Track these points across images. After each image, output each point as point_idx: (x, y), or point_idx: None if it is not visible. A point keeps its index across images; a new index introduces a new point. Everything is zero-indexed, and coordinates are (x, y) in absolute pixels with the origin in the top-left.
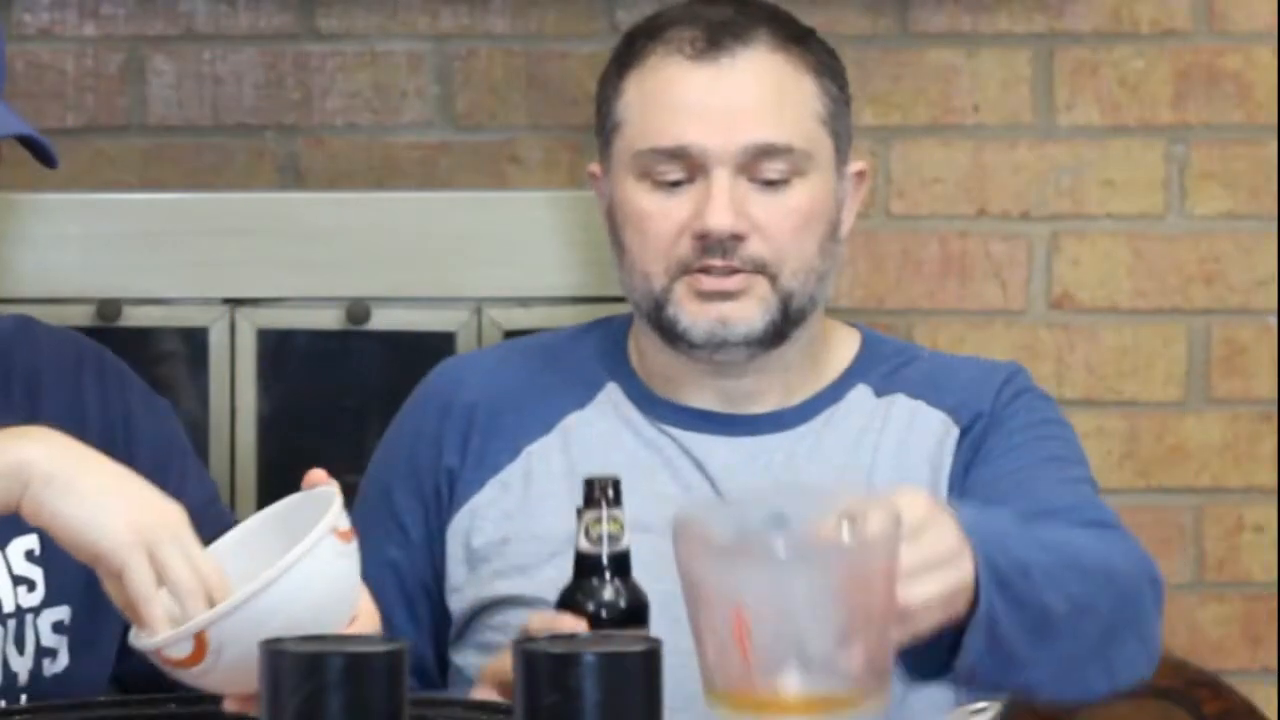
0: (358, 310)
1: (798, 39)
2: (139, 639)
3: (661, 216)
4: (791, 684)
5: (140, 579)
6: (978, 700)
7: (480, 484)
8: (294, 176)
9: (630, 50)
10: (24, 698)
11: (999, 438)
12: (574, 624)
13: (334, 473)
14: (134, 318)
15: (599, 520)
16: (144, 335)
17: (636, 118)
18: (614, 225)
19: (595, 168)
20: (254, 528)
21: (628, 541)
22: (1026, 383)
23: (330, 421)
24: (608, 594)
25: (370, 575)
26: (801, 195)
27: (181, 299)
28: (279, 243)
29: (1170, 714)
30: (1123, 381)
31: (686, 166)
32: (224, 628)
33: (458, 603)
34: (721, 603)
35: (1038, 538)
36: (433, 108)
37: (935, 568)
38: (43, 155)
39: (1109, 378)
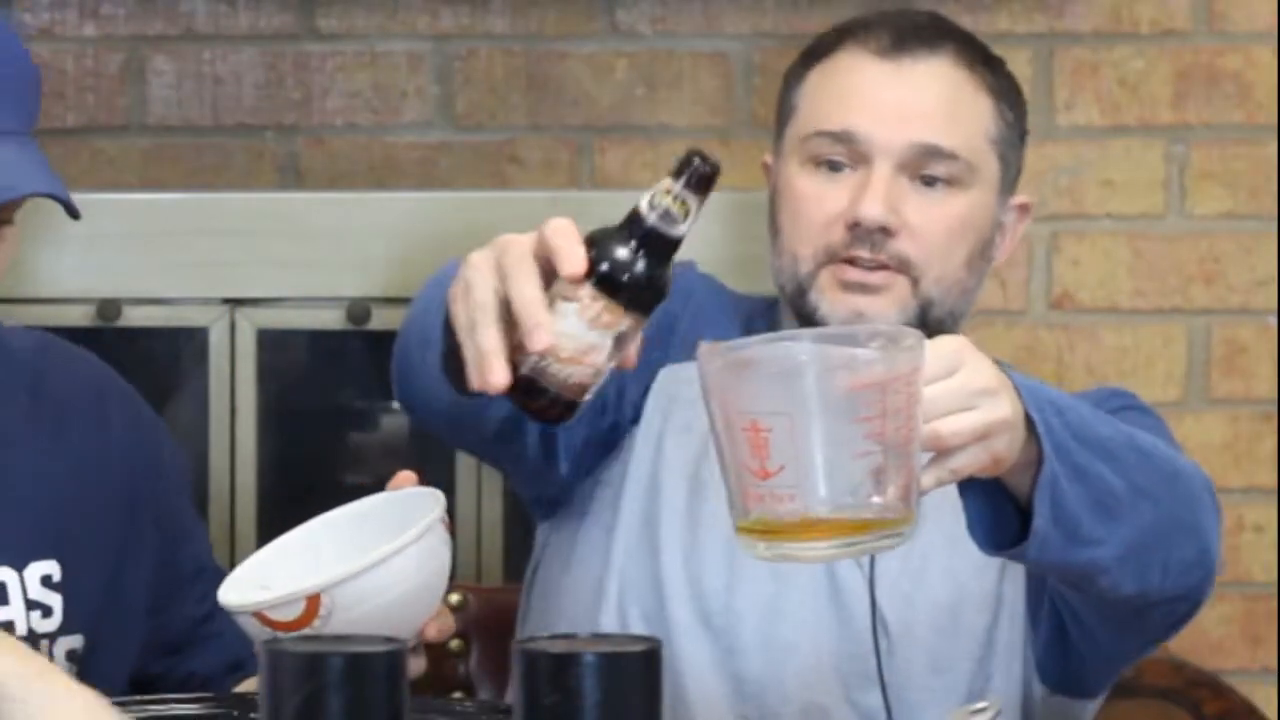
0: (358, 310)
1: (984, 61)
2: (229, 596)
3: (818, 200)
4: (810, 505)
5: None
6: (981, 699)
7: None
8: (294, 176)
9: (820, 45)
10: None
11: None
12: (574, 253)
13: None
14: (134, 318)
15: (669, 191)
16: (144, 335)
17: (810, 104)
18: (773, 209)
19: (768, 158)
20: (334, 520)
21: (684, 232)
22: (1134, 400)
23: (330, 421)
24: (623, 255)
25: None
26: (958, 204)
27: (181, 299)
28: (279, 243)
29: (1170, 714)
30: (1123, 381)
31: (850, 154)
32: (338, 593)
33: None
34: (739, 417)
35: (1099, 415)
36: (433, 108)
37: (967, 402)
38: (66, 207)
39: (1109, 378)
